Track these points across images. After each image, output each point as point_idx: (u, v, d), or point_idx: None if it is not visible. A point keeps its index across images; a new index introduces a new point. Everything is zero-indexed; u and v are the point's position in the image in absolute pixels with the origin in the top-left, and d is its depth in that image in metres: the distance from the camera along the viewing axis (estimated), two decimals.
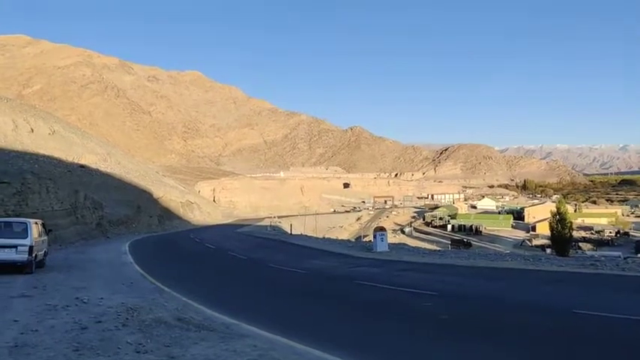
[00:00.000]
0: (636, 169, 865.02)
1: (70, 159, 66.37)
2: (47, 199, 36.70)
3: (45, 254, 19.98)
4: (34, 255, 17.28)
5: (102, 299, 11.96)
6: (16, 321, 9.15)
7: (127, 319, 9.57)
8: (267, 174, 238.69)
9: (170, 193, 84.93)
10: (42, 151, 58.06)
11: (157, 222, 67.92)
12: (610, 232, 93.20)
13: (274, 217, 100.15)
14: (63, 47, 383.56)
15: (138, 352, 7.24)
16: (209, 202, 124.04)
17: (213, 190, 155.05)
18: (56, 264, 21.21)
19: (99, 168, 71.15)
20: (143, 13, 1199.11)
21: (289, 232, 62.06)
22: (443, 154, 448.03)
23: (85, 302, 11.49)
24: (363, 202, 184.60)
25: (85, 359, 6.80)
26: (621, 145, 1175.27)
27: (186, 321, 9.72)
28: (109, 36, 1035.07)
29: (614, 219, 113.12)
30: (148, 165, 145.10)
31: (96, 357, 6.89)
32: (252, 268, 23.14)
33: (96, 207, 46.87)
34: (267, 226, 73.66)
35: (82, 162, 69.20)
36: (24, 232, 17.15)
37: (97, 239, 40.74)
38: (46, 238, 20.21)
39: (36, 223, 18.66)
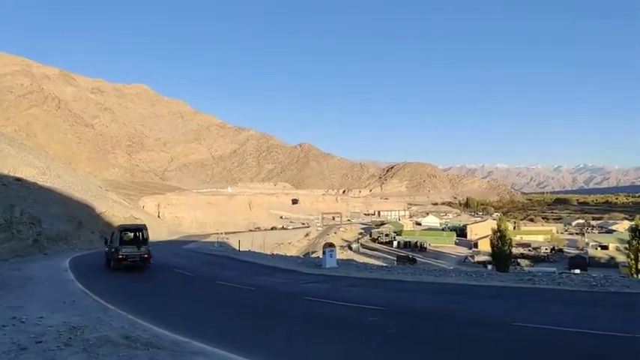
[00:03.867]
0: (569, 188, 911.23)
1: (5, 172, 63.29)
2: None
3: None
4: None
5: (41, 318, 11.49)
6: None
7: (70, 338, 9.25)
8: (215, 189, 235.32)
9: (113, 209, 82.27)
10: None
11: (99, 238, 65.51)
12: (546, 249, 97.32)
13: (221, 234, 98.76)
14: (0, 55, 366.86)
15: None
16: (153, 218, 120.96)
17: (158, 205, 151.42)
18: None
19: (37, 182, 68.15)
20: (87, 23, 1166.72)
21: (237, 248, 61.33)
22: (389, 171, 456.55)
23: (22, 322, 11.00)
24: (289, 221, 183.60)
25: None
26: (555, 166, 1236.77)
27: (133, 339, 9.49)
28: (51, 46, 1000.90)
29: (549, 236, 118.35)
30: (90, 179, 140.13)
31: None
32: (200, 285, 22.74)
33: (33, 222, 44.67)
34: (214, 242, 72.51)
35: (19, 175, 66.13)
36: None
37: (34, 256, 38.78)
38: None
39: None
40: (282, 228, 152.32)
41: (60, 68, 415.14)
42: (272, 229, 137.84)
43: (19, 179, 63.97)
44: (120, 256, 27.29)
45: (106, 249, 30.12)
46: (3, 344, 8.62)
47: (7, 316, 11.73)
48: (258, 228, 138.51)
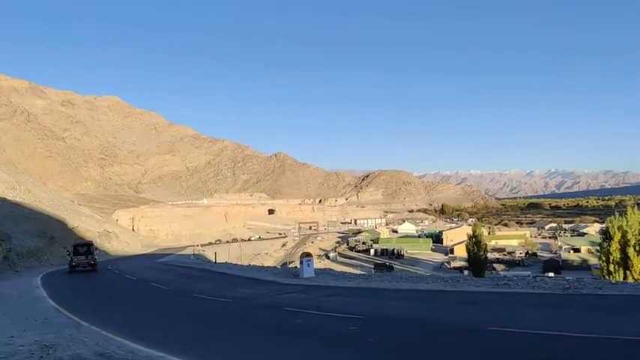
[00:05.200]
0: (541, 193, 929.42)
1: None
2: None
3: None
4: None
5: (12, 337, 11.18)
6: None
7: (42, 357, 9.03)
8: (190, 201, 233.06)
9: (86, 223, 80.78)
10: None
11: None
12: (520, 253, 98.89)
13: (197, 246, 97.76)
14: None
15: None
16: (128, 232, 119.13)
17: (132, 218, 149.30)
18: None
19: (6, 197, 66.65)
20: (56, 35, 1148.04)
21: (213, 260, 60.74)
22: (365, 180, 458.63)
23: None
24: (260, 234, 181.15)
25: None
26: (528, 171, 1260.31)
27: (108, 356, 9.31)
28: (19, 58, 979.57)
29: (523, 240, 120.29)
30: (62, 193, 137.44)
31: None
32: (175, 298, 22.44)
33: (3, 239, 43.58)
34: (190, 255, 71.70)
35: None
36: None
37: (5, 274, 37.80)
38: None
39: None
40: (259, 238, 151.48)
41: (29, 81, 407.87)
42: (233, 240, 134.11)
43: None
44: (73, 264, 38.46)
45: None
46: None
47: None
48: (219, 240, 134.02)
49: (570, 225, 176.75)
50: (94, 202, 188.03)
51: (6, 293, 24.04)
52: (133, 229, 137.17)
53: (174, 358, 9.36)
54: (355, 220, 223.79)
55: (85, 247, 40.99)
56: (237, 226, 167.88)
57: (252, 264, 58.07)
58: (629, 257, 31.57)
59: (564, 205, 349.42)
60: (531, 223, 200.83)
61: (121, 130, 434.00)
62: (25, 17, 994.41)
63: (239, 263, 54.62)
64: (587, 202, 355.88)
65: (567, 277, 25.88)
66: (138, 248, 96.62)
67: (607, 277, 31.11)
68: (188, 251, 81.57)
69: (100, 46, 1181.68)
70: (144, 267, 46.86)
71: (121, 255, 76.03)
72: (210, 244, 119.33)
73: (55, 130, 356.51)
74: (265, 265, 61.68)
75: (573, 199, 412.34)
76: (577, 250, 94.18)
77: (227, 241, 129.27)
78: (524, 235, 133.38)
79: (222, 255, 75.13)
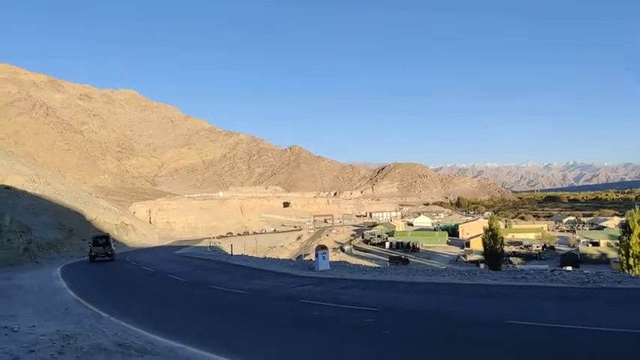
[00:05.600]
0: (559, 186, 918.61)
1: None
2: None
3: None
4: None
5: (34, 327, 11.35)
6: None
7: (63, 346, 9.15)
8: (206, 194, 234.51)
9: (104, 215, 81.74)
10: None
11: None
12: (537, 247, 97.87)
13: (213, 238, 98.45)
14: None
15: None
16: (145, 224, 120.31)
17: (149, 211, 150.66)
18: None
19: (26, 190, 67.66)
20: (75, 29, 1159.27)
21: (229, 252, 61.12)
22: (380, 172, 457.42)
23: (14, 331, 10.86)
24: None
25: None
26: (545, 164, 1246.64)
27: (127, 346, 9.42)
28: (38, 52, 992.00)
29: (540, 234, 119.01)
30: (80, 186, 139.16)
31: None
32: (193, 290, 22.61)
33: (23, 231, 44.30)
34: (206, 247, 72.23)
35: (7, 183, 65.59)
36: None
37: (25, 265, 38.46)
38: None
39: None
40: (274, 231, 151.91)
41: (48, 75, 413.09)
42: (245, 233, 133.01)
43: (7, 187, 63.47)
44: (93, 254, 42.23)
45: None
46: None
47: None
48: (230, 233, 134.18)
49: (589, 218, 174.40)
50: (111, 195, 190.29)
51: (27, 284, 24.44)
52: (149, 222, 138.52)
53: (192, 349, 9.45)
54: (370, 213, 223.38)
55: (104, 239, 45.15)
56: (252, 219, 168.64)
57: (267, 256, 58.33)
58: None
59: (583, 198, 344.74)
60: (549, 217, 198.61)
61: (138, 123, 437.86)
62: (43, 12, 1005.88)
63: (255, 256, 54.88)
64: (607, 195, 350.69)
65: (586, 271, 25.56)
66: (155, 240, 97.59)
67: (626, 271, 30.74)
68: (204, 243, 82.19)
69: (117, 41, 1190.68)
70: (161, 259, 47.28)
71: (138, 247, 76.86)
72: (221, 236, 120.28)
73: (73, 123, 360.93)
74: (281, 257, 61.91)
75: (592, 192, 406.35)
76: (596, 244, 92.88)
77: (238, 234, 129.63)
78: (542, 228, 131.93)
79: (238, 247, 75.62)
